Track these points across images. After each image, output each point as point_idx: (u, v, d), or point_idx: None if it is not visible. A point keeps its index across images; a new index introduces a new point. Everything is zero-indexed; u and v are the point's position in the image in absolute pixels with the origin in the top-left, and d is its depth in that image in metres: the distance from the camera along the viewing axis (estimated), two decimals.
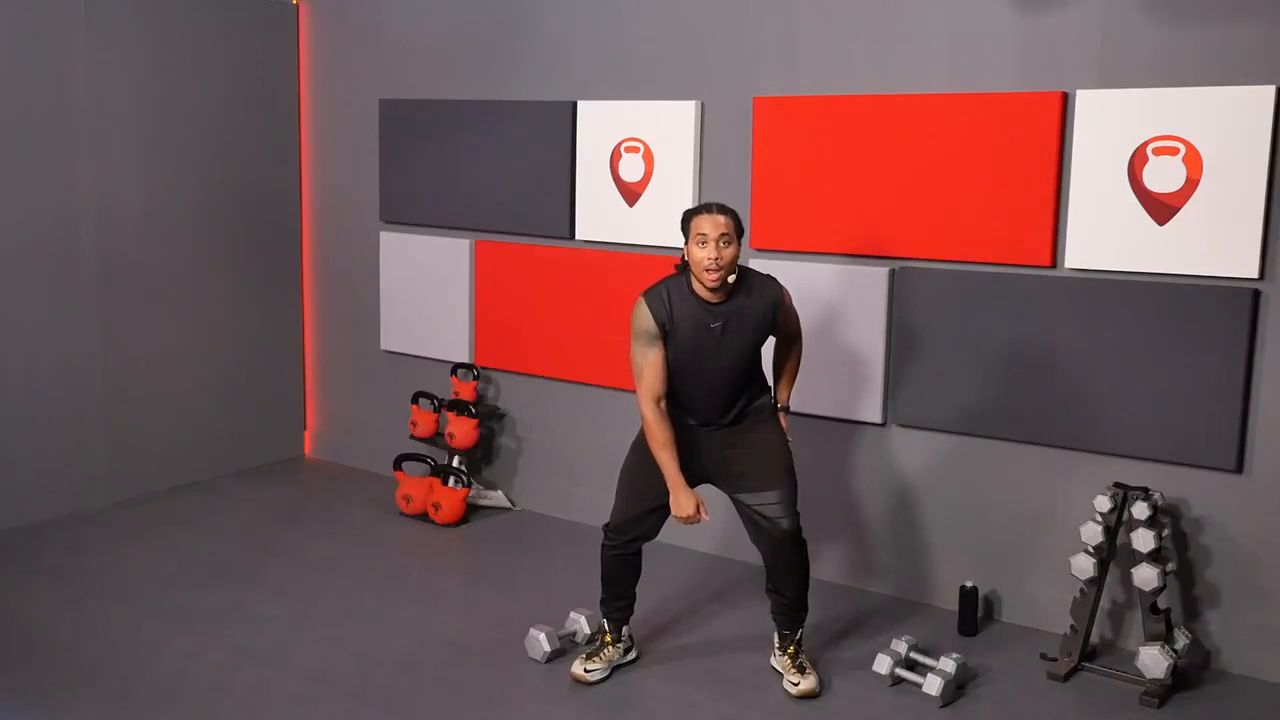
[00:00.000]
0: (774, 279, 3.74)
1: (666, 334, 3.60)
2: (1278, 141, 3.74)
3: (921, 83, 4.36)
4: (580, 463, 5.42)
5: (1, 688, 3.71)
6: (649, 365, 3.61)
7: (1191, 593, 4.05)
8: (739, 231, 3.54)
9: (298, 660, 3.96)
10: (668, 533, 3.92)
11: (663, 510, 3.77)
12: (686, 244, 3.56)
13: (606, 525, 3.87)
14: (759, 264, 4.71)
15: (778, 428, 3.83)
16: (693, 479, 3.72)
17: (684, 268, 3.62)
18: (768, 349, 3.82)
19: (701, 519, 3.62)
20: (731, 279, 3.57)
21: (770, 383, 3.88)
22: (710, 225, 3.50)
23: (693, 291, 3.59)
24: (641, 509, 3.79)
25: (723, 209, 3.55)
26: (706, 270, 3.50)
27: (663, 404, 3.63)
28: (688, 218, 3.57)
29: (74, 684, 3.75)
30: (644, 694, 3.81)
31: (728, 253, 3.50)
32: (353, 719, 3.58)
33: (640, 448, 3.79)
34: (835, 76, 4.55)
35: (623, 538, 3.83)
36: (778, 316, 3.71)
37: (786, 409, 3.91)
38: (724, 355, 3.63)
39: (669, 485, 3.63)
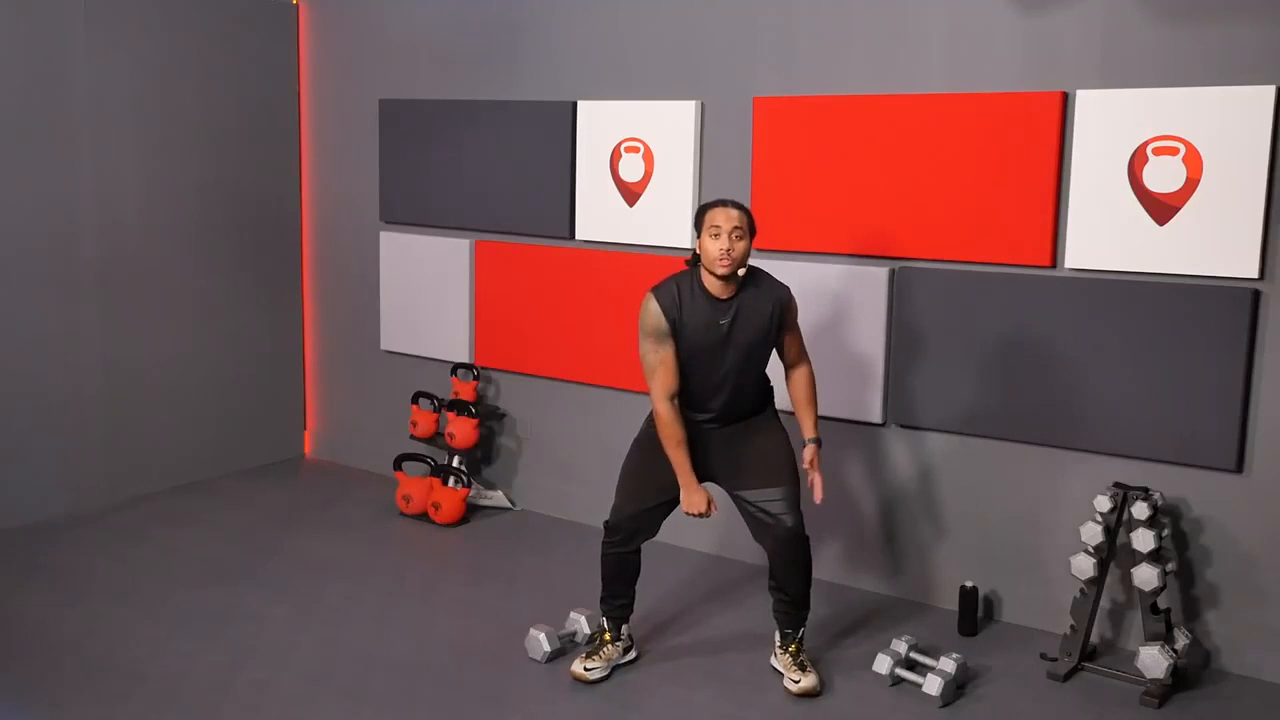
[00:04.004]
0: (782, 282, 3.79)
1: (676, 330, 3.63)
2: (1278, 141, 3.74)
3: (921, 83, 4.36)
4: (580, 463, 5.42)
5: (1, 688, 3.71)
6: (661, 363, 3.65)
7: (1191, 593, 4.05)
8: (751, 230, 3.62)
9: (298, 660, 3.96)
10: (667, 532, 3.92)
11: (663, 507, 3.81)
12: (699, 237, 3.62)
13: (606, 523, 3.88)
14: (760, 265, 4.72)
15: (780, 429, 3.86)
16: (697, 477, 3.77)
17: (694, 262, 3.68)
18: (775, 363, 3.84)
19: (712, 514, 3.72)
20: (741, 272, 3.64)
21: (775, 390, 3.90)
22: (724, 218, 3.57)
23: (702, 288, 3.64)
24: (642, 506, 3.81)
25: (737, 205, 3.64)
26: (718, 259, 3.55)
27: (676, 401, 3.68)
28: (702, 211, 3.65)
29: (74, 684, 3.75)
30: (644, 694, 3.80)
31: (740, 246, 3.57)
32: (353, 719, 3.58)
33: (643, 446, 3.81)
34: (835, 76, 4.56)
35: (622, 535, 3.84)
36: (784, 317, 3.73)
37: (818, 441, 3.81)
38: (732, 352, 3.67)
39: (680, 482, 3.71)
